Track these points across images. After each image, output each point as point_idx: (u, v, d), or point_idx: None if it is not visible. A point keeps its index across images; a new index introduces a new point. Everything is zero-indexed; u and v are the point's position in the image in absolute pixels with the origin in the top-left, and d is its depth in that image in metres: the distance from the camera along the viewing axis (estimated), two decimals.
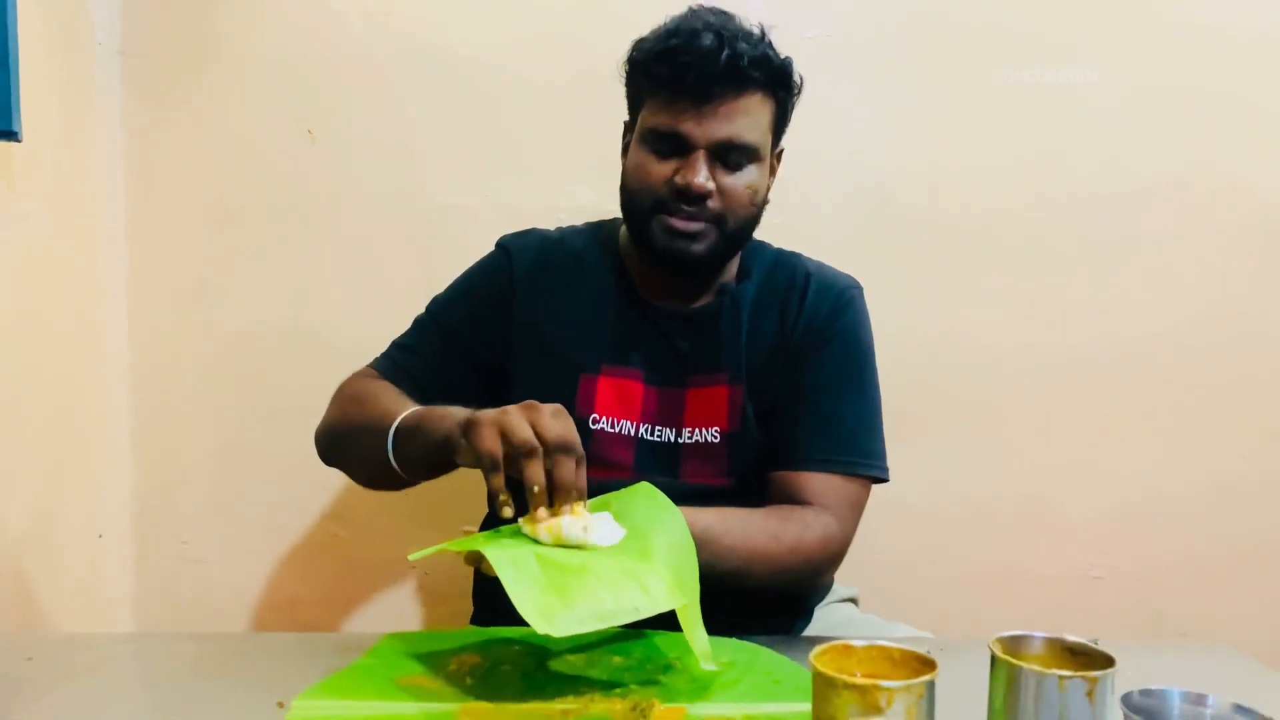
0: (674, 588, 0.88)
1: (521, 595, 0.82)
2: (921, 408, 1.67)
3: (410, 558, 0.94)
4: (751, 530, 1.07)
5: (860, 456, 1.16)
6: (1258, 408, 1.71)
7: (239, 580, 1.73)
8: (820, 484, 1.13)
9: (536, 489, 0.90)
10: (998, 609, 1.69)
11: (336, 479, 1.68)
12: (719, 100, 1.09)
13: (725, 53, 1.07)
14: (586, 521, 0.91)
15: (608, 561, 0.89)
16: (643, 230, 1.15)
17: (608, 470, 1.15)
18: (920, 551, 1.70)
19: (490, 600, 1.24)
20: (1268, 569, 1.72)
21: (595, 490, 1.00)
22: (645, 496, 1.00)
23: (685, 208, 1.11)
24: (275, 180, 1.67)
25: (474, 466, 0.93)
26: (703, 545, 0.97)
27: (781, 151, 1.22)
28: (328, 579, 1.73)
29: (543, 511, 0.91)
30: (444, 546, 0.93)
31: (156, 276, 1.68)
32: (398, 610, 1.75)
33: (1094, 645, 0.71)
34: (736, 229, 1.15)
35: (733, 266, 1.23)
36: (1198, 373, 1.70)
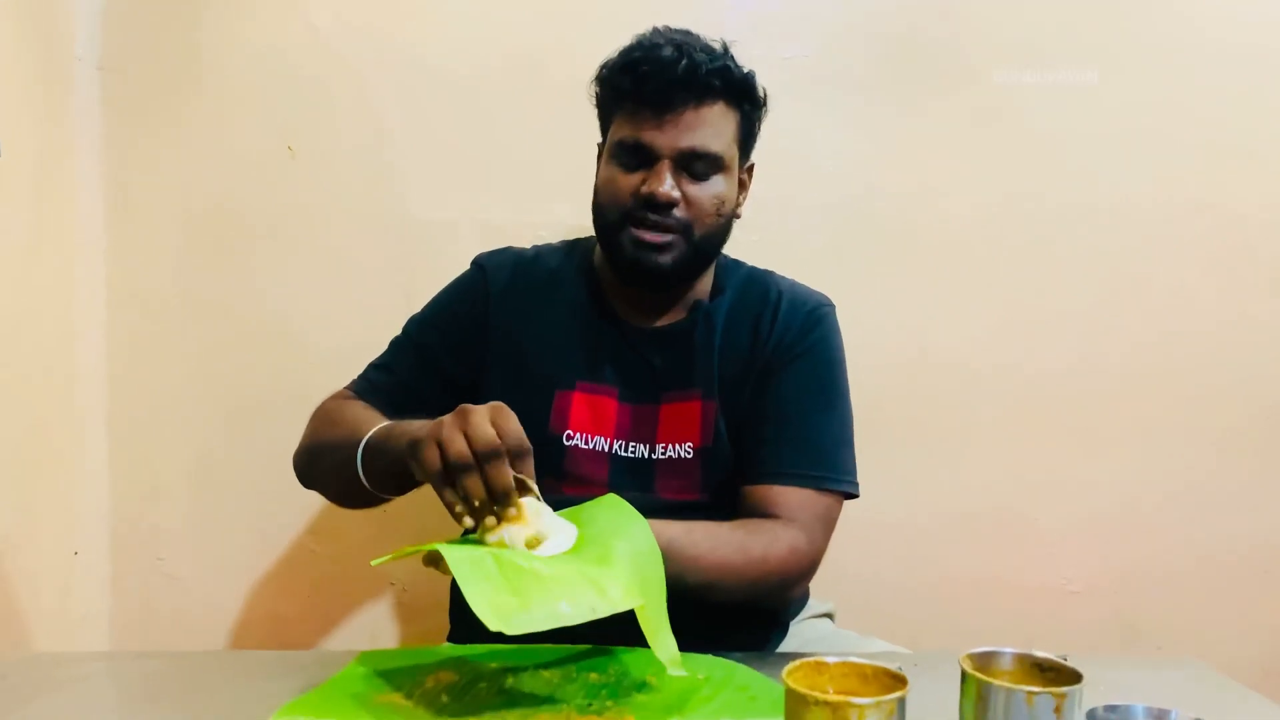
0: (632, 590, 0.88)
1: (476, 595, 0.82)
2: (896, 422, 1.68)
3: (372, 563, 0.93)
4: (718, 543, 1.08)
5: (830, 471, 1.16)
6: (1229, 420, 1.72)
7: (216, 597, 1.72)
8: (790, 498, 1.14)
9: (477, 503, 0.89)
10: (973, 623, 1.70)
11: (314, 495, 1.67)
12: (680, 109, 1.12)
13: (684, 62, 1.10)
14: (536, 529, 0.91)
15: (566, 566, 0.89)
16: (611, 243, 1.17)
17: (582, 486, 1.16)
18: (896, 566, 1.71)
19: (468, 616, 1.24)
20: (1240, 581, 1.74)
21: (567, 504, 1.01)
22: (609, 507, 1.01)
23: (652, 217, 1.13)
24: (255, 195, 1.67)
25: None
26: (668, 557, 0.97)
27: (752, 166, 1.24)
28: (305, 595, 1.72)
29: (491, 520, 0.90)
30: (404, 551, 0.93)
31: (134, 291, 1.68)
32: (375, 626, 1.74)
33: (1063, 661, 0.72)
34: (704, 239, 1.16)
35: (706, 283, 1.25)
36: (1170, 385, 1.72)
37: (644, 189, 1.13)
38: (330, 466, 1.14)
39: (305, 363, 1.66)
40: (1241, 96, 1.69)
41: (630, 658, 0.99)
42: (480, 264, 1.28)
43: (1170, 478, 1.73)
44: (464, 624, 1.25)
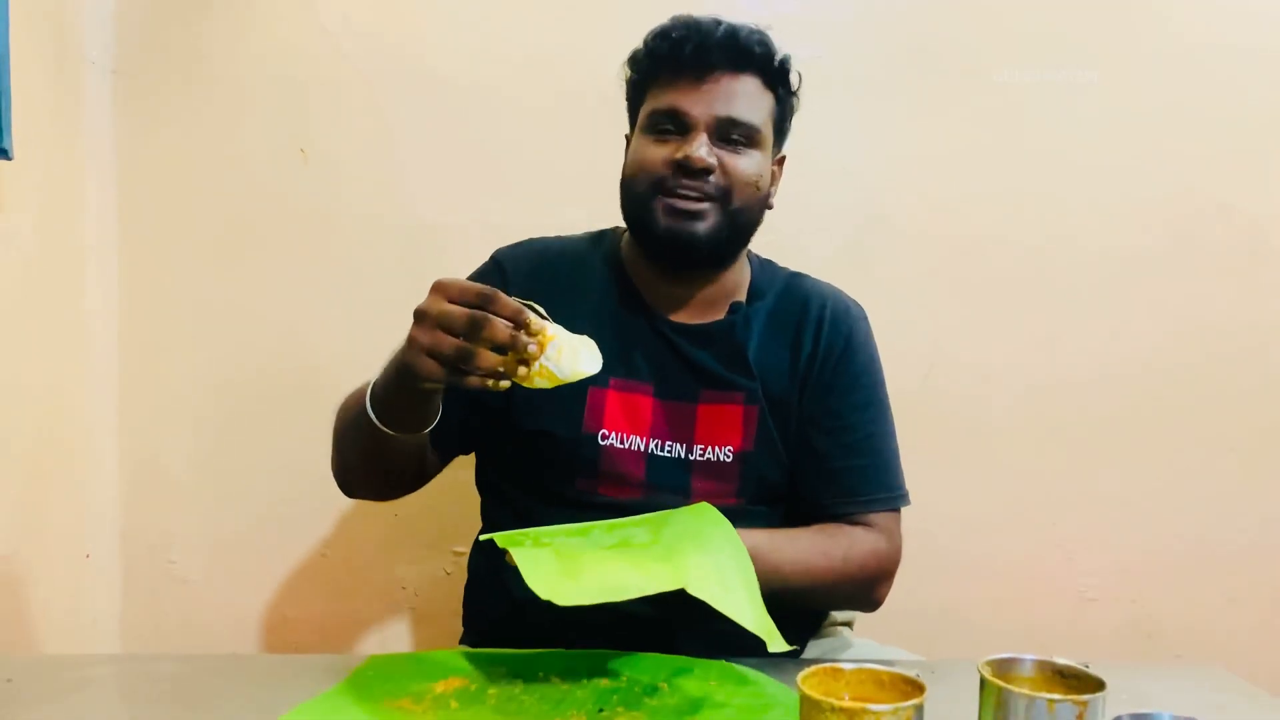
0: (685, 576, 0.88)
1: (533, 573, 0.87)
2: (912, 428, 1.64)
3: (497, 542, 0.96)
4: (800, 547, 1.10)
5: (900, 488, 1.20)
6: (1246, 424, 1.71)
7: (226, 600, 1.71)
8: (872, 518, 1.17)
9: (503, 368, 0.89)
10: (989, 631, 1.69)
11: (325, 498, 1.65)
12: (718, 75, 1.11)
13: (723, 27, 1.11)
14: (569, 344, 0.91)
15: (624, 555, 0.94)
16: (643, 216, 1.13)
17: (618, 487, 1.14)
18: (912, 573, 1.68)
19: (480, 621, 1.24)
20: (1260, 586, 1.72)
21: (643, 508, 1.05)
22: (695, 514, 1.02)
23: (687, 183, 1.10)
24: (267, 199, 1.67)
25: (436, 385, 0.93)
26: (754, 560, 0.98)
27: (783, 159, 1.23)
28: (316, 598, 1.72)
29: (522, 370, 0.90)
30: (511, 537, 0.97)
31: (146, 294, 1.68)
32: (387, 630, 1.73)
33: (1084, 668, 0.71)
34: (740, 212, 1.13)
35: (741, 281, 1.22)
36: (1186, 390, 1.70)
37: (678, 155, 1.10)
38: (355, 449, 1.11)
39: (317, 366, 1.65)
40: (1259, 98, 1.67)
41: (642, 663, 0.98)
42: (497, 259, 1.24)
43: (1188, 482, 1.71)
44: (477, 629, 1.24)
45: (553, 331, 0.91)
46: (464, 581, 1.29)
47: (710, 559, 0.94)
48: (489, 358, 0.88)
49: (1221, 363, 1.70)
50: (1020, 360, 1.70)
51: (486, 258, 1.27)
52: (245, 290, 1.68)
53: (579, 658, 0.99)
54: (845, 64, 1.66)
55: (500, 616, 1.17)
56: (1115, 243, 1.69)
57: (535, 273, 1.20)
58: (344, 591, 1.72)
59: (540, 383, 0.91)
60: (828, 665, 0.70)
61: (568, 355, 0.91)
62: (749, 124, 1.12)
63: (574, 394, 1.12)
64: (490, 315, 0.87)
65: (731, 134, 1.12)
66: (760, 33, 1.14)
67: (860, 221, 1.68)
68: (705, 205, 1.11)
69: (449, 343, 0.87)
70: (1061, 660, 0.72)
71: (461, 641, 1.26)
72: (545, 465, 1.16)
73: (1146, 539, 1.71)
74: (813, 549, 1.11)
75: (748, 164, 1.13)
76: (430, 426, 1.04)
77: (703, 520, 1.01)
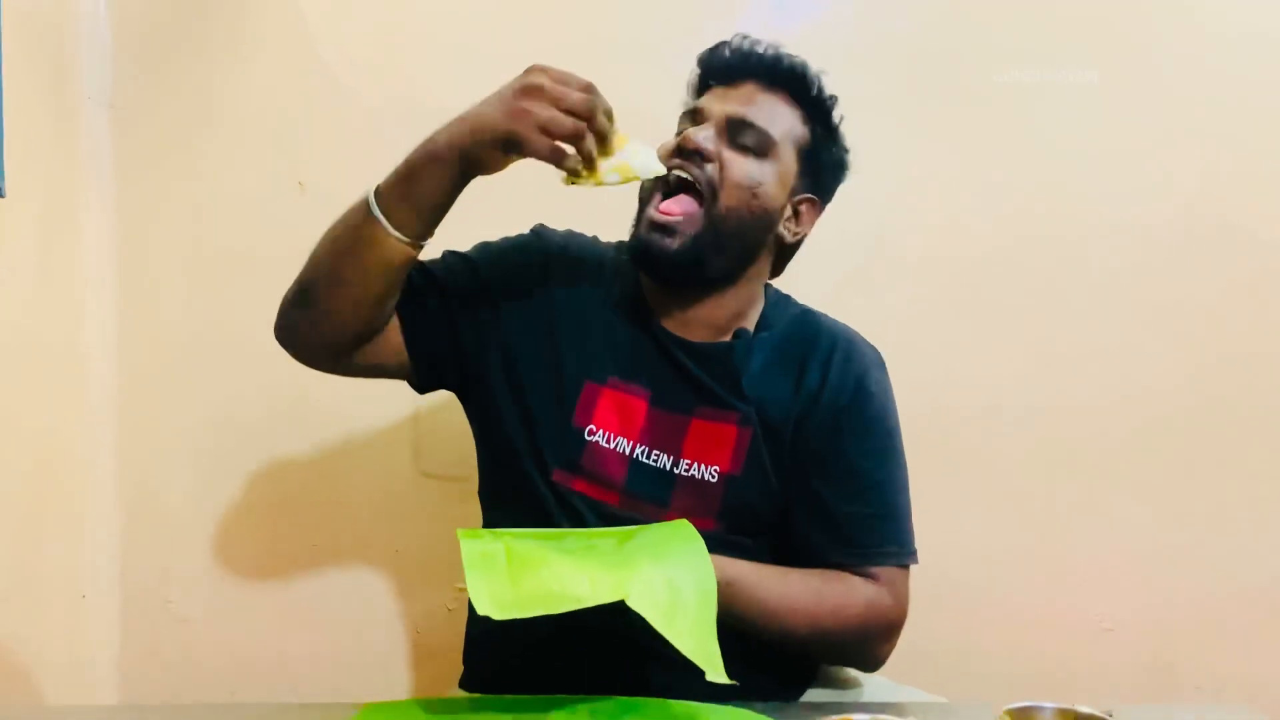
0: (625, 584, 0.87)
1: (475, 580, 0.87)
2: (920, 459, 1.61)
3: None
4: (790, 585, 1.05)
5: (909, 544, 1.14)
6: (1266, 451, 1.67)
7: (226, 640, 1.69)
8: (876, 572, 1.11)
9: (596, 153, 0.98)
10: (1006, 665, 1.64)
11: (327, 535, 1.67)
12: (747, 84, 1.13)
13: (767, 45, 1.14)
14: (637, 143, 1.02)
15: (575, 560, 0.91)
16: (635, 223, 1.14)
17: (596, 486, 1.11)
18: (925, 607, 1.65)
19: (481, 659, 1.21)
20: None
21: (615, 516, 1.04)
22: (673, 530, 0.99)
23: (678, 161, 1.09)
24: (266, 232, 1.65)
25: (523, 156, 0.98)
26: (735, 593, 0.96)
27: (815, 202, 1.19)
28: (317, 636, 1.69)
29: (603, 162, 0.99)
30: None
31: (145, 330, 1.66)
32: (389, 667, 1.70)
33: (1108, 717, 0.68)
34: (728, 217, 1.09)
35: (751, 310, 1.19)
36: (1208, 414, 1.66)
37: (681, 140, 1.10)
38: (330, 264, 1.08)
39: (317, 402, 1.63)
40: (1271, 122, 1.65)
41: (647, 709, 0.95)
42: (537, 231, 1.24)
43: (1206, 511, 1.67)
44: (477, 669, 1.22)
45: (624, 133, 1.01)
46: (466, 618, 1.25)
47: (663, 574, 0.91)
48: (590, 143, 0.96)
49: (1243, 385, 1.66)
50: (1030, 386, 1.67)
51: None
52: (244, 325, 1.64)
53: (583, 705, 0.96)
54: (846, 87, 1.63)
55: (502, 656, 1.15)
56: (1132, 268, 1.66)
57: (564, 252, 1.20)
58: (345, 629, 1.69)
59: (612, 179, 1.00)
60: (841, 718, 0.67)
61: (643, 154, 1.02)
62: (762, 130, 1.11)
63: (571, 385, 1.12)
64: (598, 103, 0.95)
65: (742, 136, 1.10)
66: (805, 61, 1.15)
67: (864, 248, 1.66)
68: (682, 217, 1.09)
69: (567, 123, 0.94)
70: (1084, 708, 0.69)
71: (462, 681, 1.23)
72: (527, 447, 1.13)
73: (1165, 569, 1.67)
74: (804, 589, 1.06)
75: (749, 167, 1.10)
76: (432, 233, 1.05)
77: (674, 536, 0.98)
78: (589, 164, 0.98)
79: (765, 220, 1.14)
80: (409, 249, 1.04)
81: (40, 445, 1.49)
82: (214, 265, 1.66)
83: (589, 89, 0.96)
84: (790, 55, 1.14)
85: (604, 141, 0.99)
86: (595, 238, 1.26)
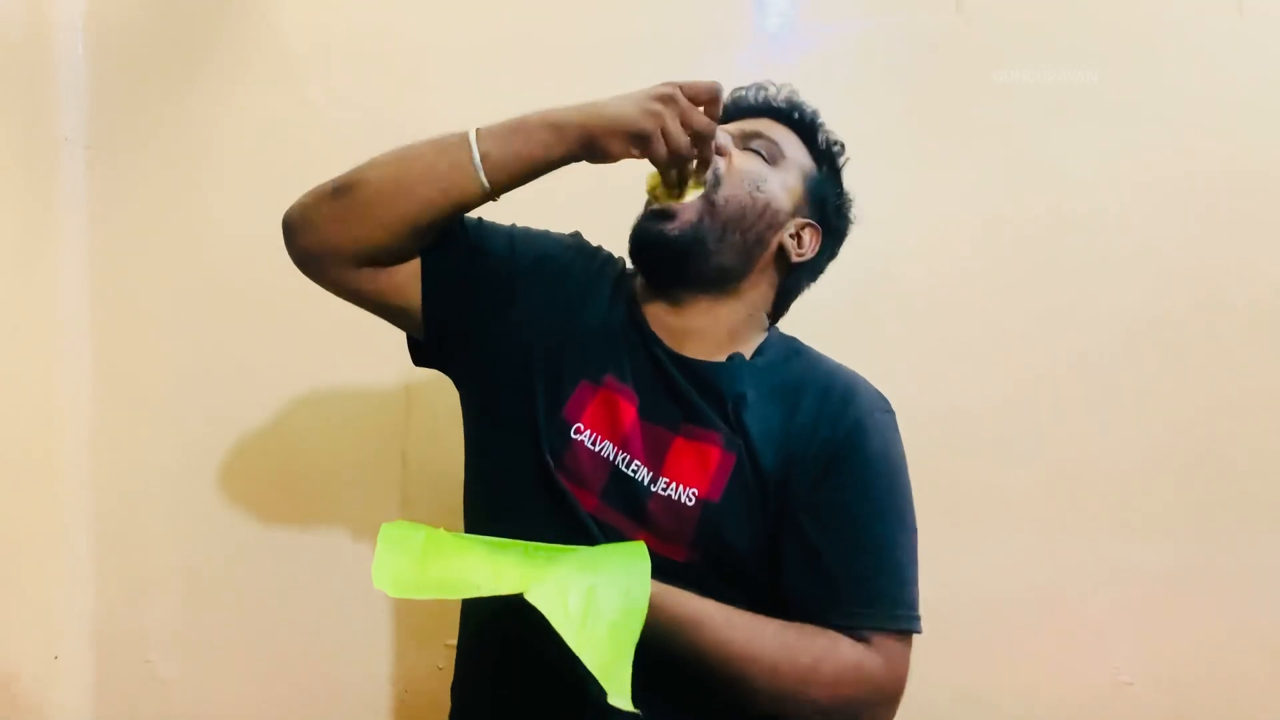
0: (528, 580, 0.85)
1: (383, 556, 0.87)
2: (924, 500, 1.57)
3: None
4: (760, 632, 0.97)
5: (911, 609, 1.05)
6: None
7: (206, 699, 1.63)
8: (864, 632, 1.01)
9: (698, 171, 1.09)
10: (1019, 719, 1.58)
11: (310, 590, 1.62)
12: (761, 118, 1.19)
13: (786, 87, 1.21)
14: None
15: (493, 555, 0.91)
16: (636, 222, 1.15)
17: (574, 484, 1.06)
18: (933, 656, 1.60)
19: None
20: None
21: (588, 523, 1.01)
22: (627, 551, 0.93)
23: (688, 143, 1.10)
24: (248, 275, 1.62)
25: (642, 157, 1.05)
26: (694, 628, 0.92)
27: (816, 229, 1.19)
28: (301, 696, 1.63)
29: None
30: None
31: (121, 378, 1.62)
32: None
33: None
34: (727, 205, 1.10)
35: (750, 339, 1.15)
36: (1221, 458, 1.61)
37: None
38: (394, 172, 1.08)
39: (301, 450, 1.59)
40: None
41: None
42: (576, 234, 1.24)
43: (1224, 557, 1.61)
44: None
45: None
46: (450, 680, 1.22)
47: (585, 581, 0.86)
48: (693, 168, 1.07)
49: (1258, 430, 1.61)
50: (1039, 426, 1.62)
51: None
52: (225, 373, 1.62)
53: None
54: (845, 121, 1.60)
55: (488, 716, 1.11)
56: (1143, 306, 1.61)
57: (591, 259, 1.21)
58: (330, 687, 1.63)
59: (688, 197, 1.09)
60: None
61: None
62: (774, 141, 1.16)
63: (568, 380, 1.10)
64: (715, 135, 1.05)
65: (754, 143, 1.15)
66: (816, 110, 1.21)
67: (867, 281, 1.61)
68: (685, 204, 1.10)
69: (684, 142, 1.03)
70: None
71: None
72: (522, 429, 1.09)
73: (1183, 617, 1.61)
74: (775, 640, 0.97)
75: (755, 165, 1.14)
76: (509, 189, 1.08)
77: (617, 552, 0.92)
78: (682, 184, 1.08)
79: (767, 217, 1.13)
80: (483, 194, 1.07)
81: (11, 498, 1.46)
82: (193, 311, 1.62)
83: (715, 103, 1.04)
84: (803, 103, 1.21)
85: (704, 167, 1.08)
86: (622, 259, 1.24)
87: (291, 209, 1.12)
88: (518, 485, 1.09)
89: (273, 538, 1.61)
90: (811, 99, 1.25)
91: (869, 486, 1.06)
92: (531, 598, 0.81)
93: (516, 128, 1.07)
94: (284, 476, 1.59)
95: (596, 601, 0.84)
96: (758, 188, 1.12)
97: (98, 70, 1.60)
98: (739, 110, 1.21)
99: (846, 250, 1.61)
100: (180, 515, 1.63)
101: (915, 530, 1.09)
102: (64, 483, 1.59)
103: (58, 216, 1.57)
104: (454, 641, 1.53)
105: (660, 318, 1.13)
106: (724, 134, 1.13)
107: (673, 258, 1.10)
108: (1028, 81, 1.61)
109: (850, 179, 1.62)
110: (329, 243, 1.10)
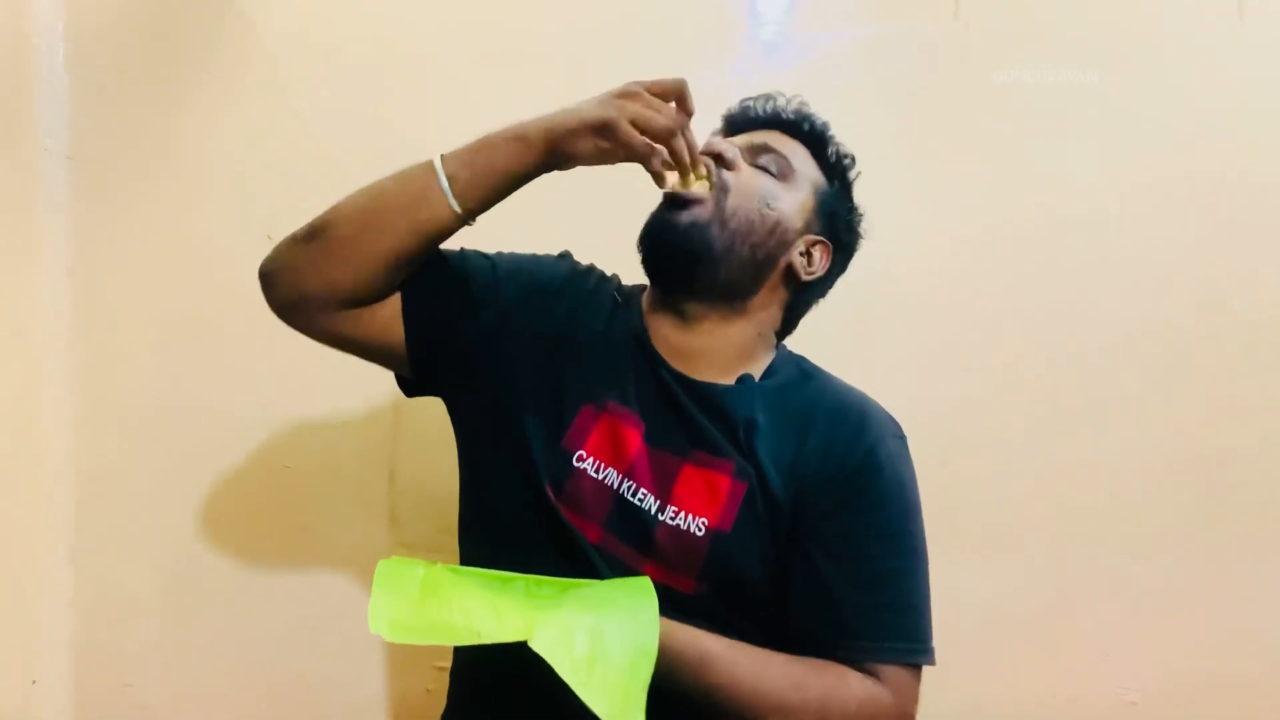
0: (533, 625, 0.84)
1: (379, 598, 0.85)
2: (926, 515, 1.56)
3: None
4: (767, 668, 0.96)
5: (924, 641, 1.04)
6: None
7: None
8: (874, 665, 1.00)
9: (689, 162, 1.04)
10: None
11: (296, 612, 1.59)
12: (770, 130, 1.16)
13: (794, 100, 1.18)
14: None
15: (494, 596, 0.89)
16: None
17: (577, 515, 1.03)
18: (932, 675, 1.57)
19: None
20: None
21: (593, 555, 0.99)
22: (622, 584, 0.92)
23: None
24: (233, 289, 1.57)
25: (613, 153, 1.02)
26: (701, 667, 0.91)
27: (826, 246, 1.16)
28: None
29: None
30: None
31: (103, 396, 1.59)
32: None
33: None
34: (734, 215, 1.07)
35: (759, 359, 1.13)
36: (1237, 471, 1.59)
37: (705, 146, 1.10)
38: (365, 210, 1.06)
39: (287, 469, 1.57)
40: None
41: None
42: (564, 255, 1.21)
43: (1233, 572, 1.59)
44: None
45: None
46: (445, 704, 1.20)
47: (591, 623, 0.84)
48: (681, 144, 1.02)
49: (1264, 444, 1.59)
50: (1043, 440, 1.60)
51: None
52: (210, 389, 1.59)
53: None
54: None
55: None
56: (1146, 320, 1.60)
57: (583, 280, 1.18)
58: (316, 712, 1.60)
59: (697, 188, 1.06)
60: None
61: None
62: (784, 156, 1.12)
63: (567, 406, 1.07)
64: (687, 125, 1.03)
65: (762, 158, 1.12)
66: (826, 123, 1.18)
67: (869, 293, 1.59)
68: (695, 199, 1.07)
69: (659, 119, 0.99)
70: None
71: None
72: (517, 461, 1.07)
73: (1191, 634, 1.59)
74: (783, 677, 0.96)
75: (764, 182, 1.11)
76: (484, 210, 1.05)
77: (624, 590, 0.90)
78: (682, 167, 1.04)
79: (777, 234, 1.10)
80: (456, 219, 1.04)
81: None
82: (178, 326, 1.60)
83: (683, 99, 1.02)
84: (813, 115, 1.17)
85: (696, 164, 1.06)
86: (616, 276, 1.22)
87: (265, 260, 1.09)
88: (516, 515, 1.06)
89: (257, 558, 1.58)
90: (809, 105, 1.23)
91: (882, 519, 1.05)
92: (536, 646, 0.80)
93: (481, 146, 1.05)
94: (269, 494, 1.56)
95: (604, 643, 0.83)
96: (768, 204, 1.09)
97: (79, 79, 1.57)
98: (747, 122, 1.18)
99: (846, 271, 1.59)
100: (162, 535, 1.60)
101: (926, 558, 1.07)
102: (45, 505, 1.56)
103: (38, 227, 1.54)
104: (445, 664, 1.51)
105: (667, 337, 1.11)
106: (732, 148, 1.10)
107: (680, 254, 1.07)
108: (1026, 86, 1.60)
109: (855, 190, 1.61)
110: (307, 288, 1.07)
